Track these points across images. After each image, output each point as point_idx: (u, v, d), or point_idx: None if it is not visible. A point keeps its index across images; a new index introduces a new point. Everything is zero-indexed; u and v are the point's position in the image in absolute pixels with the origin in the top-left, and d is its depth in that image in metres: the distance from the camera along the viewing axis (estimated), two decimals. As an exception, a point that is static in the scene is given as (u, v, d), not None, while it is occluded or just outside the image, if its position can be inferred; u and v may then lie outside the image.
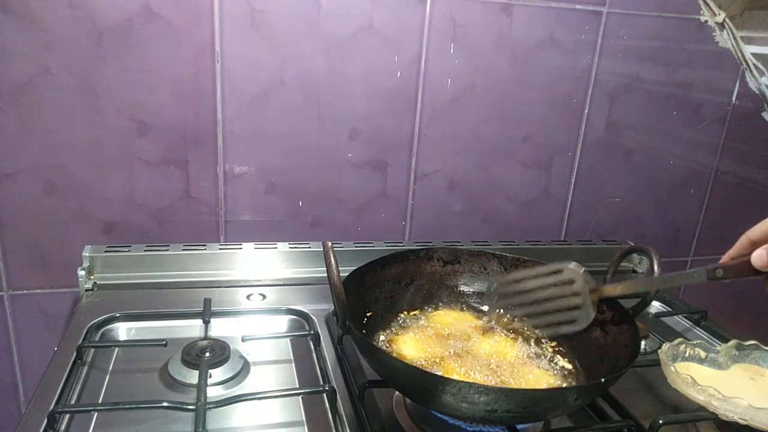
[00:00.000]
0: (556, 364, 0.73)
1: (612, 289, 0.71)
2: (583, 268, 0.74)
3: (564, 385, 0.69)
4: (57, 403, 0.66)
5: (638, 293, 0.74)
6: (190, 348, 0.77)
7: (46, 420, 0.62)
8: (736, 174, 1.33)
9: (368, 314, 0.77)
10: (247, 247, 1.02)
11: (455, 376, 0.67)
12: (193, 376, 0.73)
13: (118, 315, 0.85)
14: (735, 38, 1.18)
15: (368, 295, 0.78)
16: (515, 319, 0.79)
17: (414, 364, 0.66)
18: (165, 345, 0.76)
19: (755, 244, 0.60)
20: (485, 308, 0.83)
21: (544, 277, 0.76)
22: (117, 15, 0.89)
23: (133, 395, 0.71)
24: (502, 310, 0.80)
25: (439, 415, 0.67)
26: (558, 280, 0.75)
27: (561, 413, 0.66)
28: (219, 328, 0.85)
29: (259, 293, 0.95)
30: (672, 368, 0.73)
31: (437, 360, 0.70)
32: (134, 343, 0.82)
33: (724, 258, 0.63)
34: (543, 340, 0.77)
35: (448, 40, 1.04)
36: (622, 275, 1.17)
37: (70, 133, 0.93)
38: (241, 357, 0.78)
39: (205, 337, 0.81)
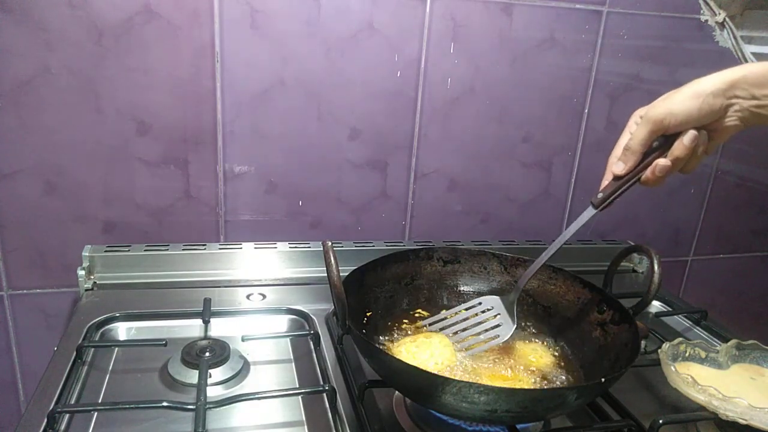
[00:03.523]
0: (556, 364, 0.73)
1: (523, 281, 0.74)
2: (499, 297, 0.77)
3: (564, 384, 0.69)
4: (57, 402, 0.66)
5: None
6: (190, 348, 0.77)
7: (45, 420, 0.62)
8: (736, 174, 1.33)
9: (368, 314, 0.77)
10: (247, 246, 1.02)
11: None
12: (193, 376, 0.73)
13: (117, 315, 0.85)
14: (735, 38, 1.18)
15: (368, 295, 0.78)
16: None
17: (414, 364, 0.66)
18: (165, 345, 0.76)
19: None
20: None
21: (466, 310, 0.78)
22: (117, 15, 0.89)
23: (133, 395, 0.71)
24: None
25: (439, 415, 0.67)
26: (479, 310, 0.77)
27: (561, 413, 0.66)
28: (219, 327, 0.85)
29: (259, 293, 0.95)
30: (672, 368, 0.73)
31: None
32: (134, 342, 0.82)
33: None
34: (542, 341, 0.77)
35: (448, 40, 1.04)
36: (622, 275, 1.17)
37: (70, 133, 0.93)
38: (241, 357, 0.78)
39: (205, 337, 0.81)
